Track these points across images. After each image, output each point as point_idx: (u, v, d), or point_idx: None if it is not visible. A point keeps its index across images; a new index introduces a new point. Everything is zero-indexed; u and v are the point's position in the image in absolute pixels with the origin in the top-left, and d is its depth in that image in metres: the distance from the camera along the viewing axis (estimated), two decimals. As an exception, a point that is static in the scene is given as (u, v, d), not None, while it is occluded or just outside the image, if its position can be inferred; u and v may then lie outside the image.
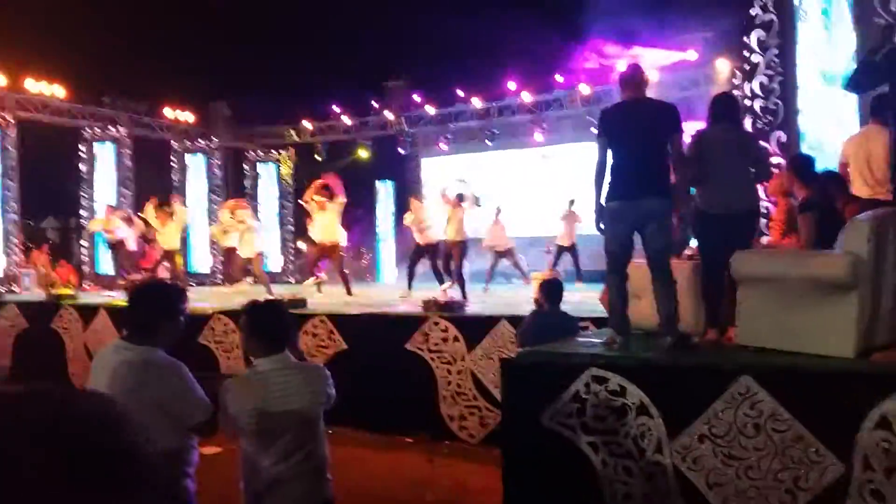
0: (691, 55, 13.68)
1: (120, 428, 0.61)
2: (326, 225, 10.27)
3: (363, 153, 18.89)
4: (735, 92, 9.19)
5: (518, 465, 3.89)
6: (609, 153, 4.19)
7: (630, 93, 4.35)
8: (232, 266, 13.12)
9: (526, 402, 3.88)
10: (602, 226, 4.27)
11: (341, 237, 10.42)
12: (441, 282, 9.74)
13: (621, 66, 14.68)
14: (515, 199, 17.46)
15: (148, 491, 0.59)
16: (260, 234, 11.59)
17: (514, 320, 6.66)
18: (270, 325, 3.06)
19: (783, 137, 6.94)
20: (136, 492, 0.58)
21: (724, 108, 4.68)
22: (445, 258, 10.02)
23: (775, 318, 3.78)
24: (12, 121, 13.67)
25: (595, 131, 4.34)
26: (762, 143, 6.85)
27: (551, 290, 5.42)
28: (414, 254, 11.00)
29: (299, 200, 11.22)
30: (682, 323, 4.44)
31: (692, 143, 4.64)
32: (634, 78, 4.39)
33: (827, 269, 3.68)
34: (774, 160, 6.63)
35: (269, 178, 18.55)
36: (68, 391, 0.65)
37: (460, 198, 10.10)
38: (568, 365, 3.78)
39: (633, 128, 4.18)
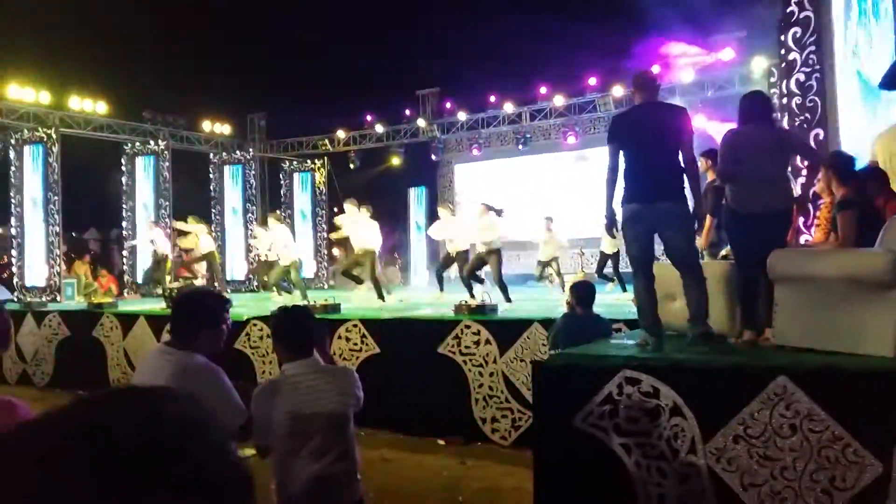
0: (727, 54, 13.51)
1: (209, 429, 0.60)
2: (359, 232, 10.33)
3: (396, 160, 19.04)
4: (772, 91, 9.09)
5: (550, 467, 3.87)
6: (622, 158, 4.28)
7: (643, 96, 4.40)
8: (265, 274, 13.47)
9: (558, 404, 3.86)
10: (614, 230, 4.38)
11: (375, 244, 10.38)
12: (471, 292, 9.61)
13: (656, 68, 14.58)
14: (549, 203, 17.43)
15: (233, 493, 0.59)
16: (294, 241, 11.75)
17: (547, 323, 6.64)
18: (295, 330, 3.13)
19: (821, 135, 6.80)
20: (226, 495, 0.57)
21: (756, 106, 4.60)
22: (472, 266, 9.92)
23: (813, 318, 3.71)
24: (55, 136, 14.06)
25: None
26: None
27: (583, 293, 5.39)
28: (444, 260, 11.04)
29: (332, 233, 11.39)
30: (717, 325, 4.39)
31: (724, 142, 4.57)
32: (647, 82, 4.45)
33: (867, 268, 3.59)
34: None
35: (304, 186, 18.78)
36: (157, 392, 0.64)
37: (489, 207, 10.06)
38: (600, 367, 3.75)
39: (646, 132, 4.23)
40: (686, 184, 4.30)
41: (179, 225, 13.32)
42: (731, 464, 3.40)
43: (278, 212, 12.73)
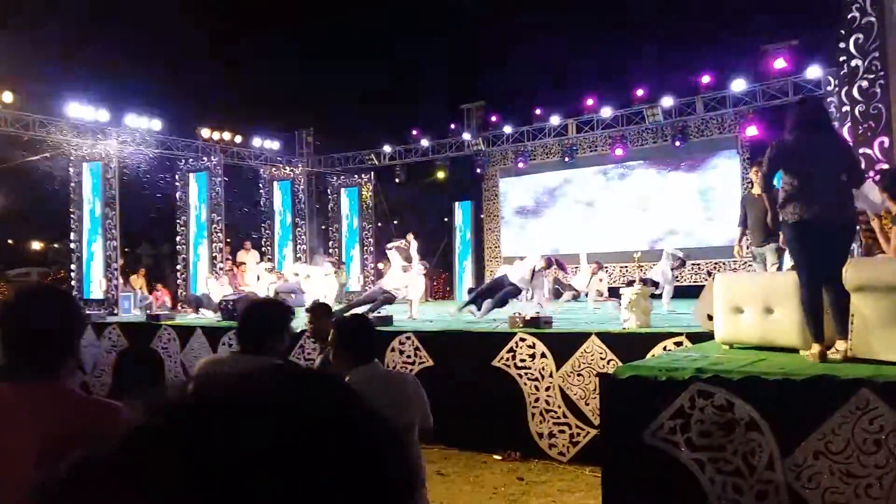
0: (779, 64, 13.27)
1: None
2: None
3: (441, 174, 19.12)
4: (829, 100, 8.86)
5: (619, 483, 3.80)
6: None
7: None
8: None
9: (626, 418, 3.79)
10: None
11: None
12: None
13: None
14: (597, 215, 17.29)
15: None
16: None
17: (604, 336, 6.56)
18: (361, 336, 3.16)
19: (886, 143, 6.60)
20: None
21: (812, 114, 4.41)
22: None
23: (894, 329, 3.58)
24: (115, 153, 14.46)
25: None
26: (863, 149, 6.56)
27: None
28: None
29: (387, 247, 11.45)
30: (787, 337, 4.28)
31: (775, 151, 4.35)
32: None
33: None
34: (882, 166, 6.34)
35: (351, 201, 19.00)
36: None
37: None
38: (671, 380, 3.67)
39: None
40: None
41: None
42: (811, 481, 3.29)
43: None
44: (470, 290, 10.29)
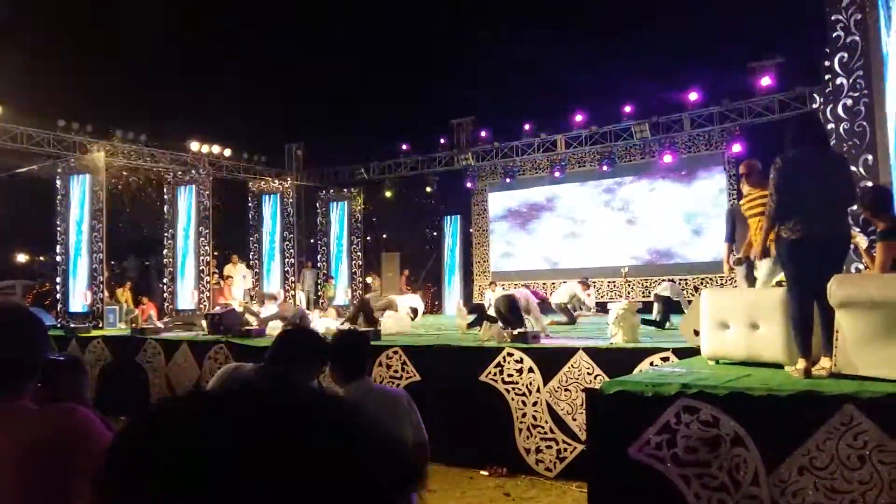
0: (765, 82, 13.42)
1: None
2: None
3: (430, 189, 19.15)
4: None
5: (605, 498, 3.79)
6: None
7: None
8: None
9: (613, 433, 3.78)
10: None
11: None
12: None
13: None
14: (585, 230, 17.36)
15: None
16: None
17: (591, 351, 6.55)
18: (352, 353, 3.14)
19: (870, 160, 6.67)
20: None
21: (808, 130, 4.48)
22: None
23: (878, 345, 3.59)
24: (102, 166, 14.37)
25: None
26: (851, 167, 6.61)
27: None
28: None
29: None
30: (773, 353, 4.29)
31: (775, 169, 4.41)
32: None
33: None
34: (867, 184, 6.39)
35: (339, 215, 18.97)
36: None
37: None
38: (657, 395, 3.67)
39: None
40: None
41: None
42: (796, 497, 3.29)
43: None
44: (474, 309, 10.23)
